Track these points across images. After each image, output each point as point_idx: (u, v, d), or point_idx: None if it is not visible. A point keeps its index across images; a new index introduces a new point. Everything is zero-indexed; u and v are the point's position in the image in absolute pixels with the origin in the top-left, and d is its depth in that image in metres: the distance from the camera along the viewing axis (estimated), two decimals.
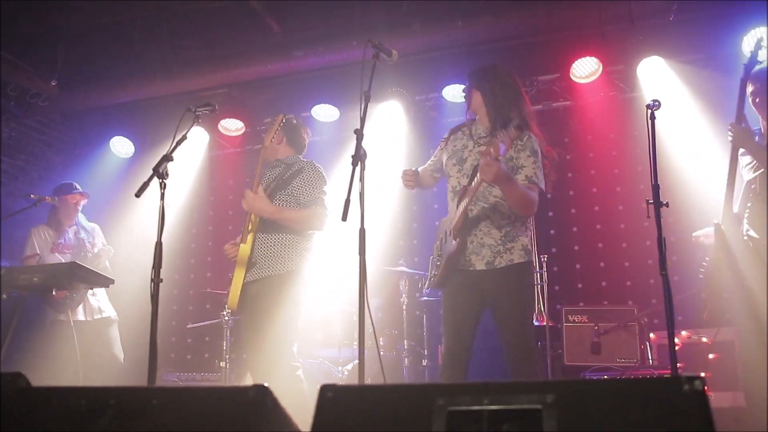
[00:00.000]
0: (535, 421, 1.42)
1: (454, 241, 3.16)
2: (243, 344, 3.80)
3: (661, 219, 3.04)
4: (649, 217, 3.31)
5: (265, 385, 1.66)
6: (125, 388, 1.83)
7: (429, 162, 3.60)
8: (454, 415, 1.48)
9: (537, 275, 4.89)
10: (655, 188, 3.06)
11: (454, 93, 5.84)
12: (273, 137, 3.77)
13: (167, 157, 2.95)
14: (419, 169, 3.60)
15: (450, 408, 1.49)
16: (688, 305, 4.25)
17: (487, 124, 3.34)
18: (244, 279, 3.62)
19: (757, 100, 3.66)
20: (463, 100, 5.44)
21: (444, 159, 3.43)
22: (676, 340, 4.41)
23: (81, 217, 5.12)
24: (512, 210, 3.20)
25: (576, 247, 6.02)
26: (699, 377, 1.36)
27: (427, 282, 3.47)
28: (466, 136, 3.40)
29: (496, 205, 3.22)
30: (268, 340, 3.52)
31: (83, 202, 5.08)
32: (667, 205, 3.05)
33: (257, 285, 3.62)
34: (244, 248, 3.64)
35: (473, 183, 3.10)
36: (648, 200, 3.07)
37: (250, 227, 3.67)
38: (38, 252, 4.89)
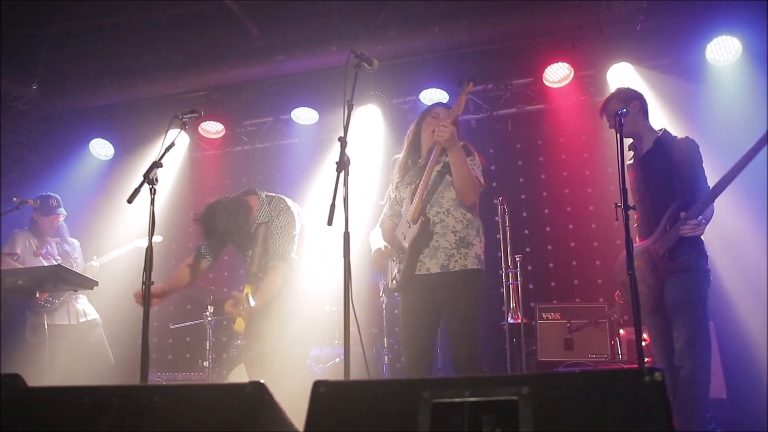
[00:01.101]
0: (512, 412, 1.55)
1: (414, 225, 3.31)
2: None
3: (629, 221, 3.22)
4: (617, 219, 3.51)
5: (261, 381, 1.78)
6: (127, 386, 1.93)
7: (386, 210, 3.71)
8: (438, 407, 1.61)
9: (511, 274, 5.05)
10: (623, 192, 3.23)
11: (431, 97, 5.99)
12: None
13: (157, 164, 3.05)
14: (383, 221, 3.71)
15: (434, 400, 1.62)
16: None
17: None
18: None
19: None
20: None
21: (400, 196, 3.61)
22: (645, 336, 4.61)
23: (63, 230, 5.18)
24: (458, 189, 3.35)
25: (549, 247, 6.20)
26: (659, 369, 1.51)
27: (390, 283, 3.51)
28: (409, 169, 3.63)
29: (450, 208, 3.39)
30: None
31: (62, 218, 5.15)
32: (634, 208, 3.24)
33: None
34: (240, 325, 3.55)
35: (427, 162, 3.37)
36: (616, 204, 3.25)
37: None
38: (18, 252, 4.91)
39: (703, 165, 3.60)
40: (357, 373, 3.83)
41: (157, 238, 5.38)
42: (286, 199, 3.78)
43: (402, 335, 3.44)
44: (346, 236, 2.83)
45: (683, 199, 3.50)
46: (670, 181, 3.55)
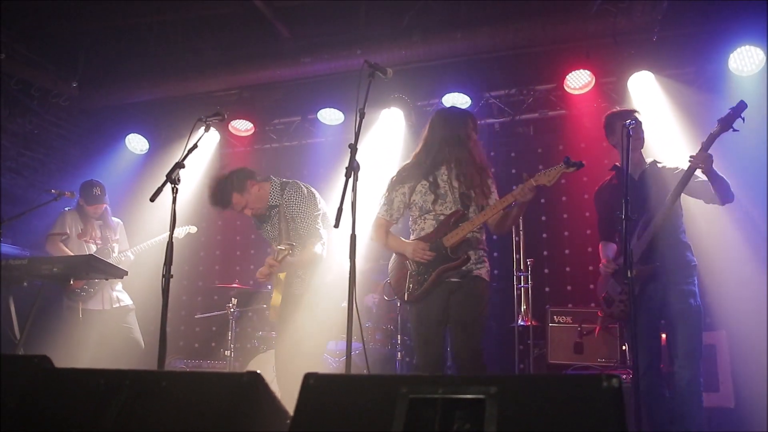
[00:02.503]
0: (479, 409, 1.69)
1: (453, 256, 3.43)
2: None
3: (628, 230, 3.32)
4: (619, 228, 3.61)
5: (258, 371, 1.95)
6: (138, 371, 2.13)
7: (391, 212, 3.68)
8: (415, 402, 1.75)
9: (522, 277, 5.15)
10: (625, 202, 3.32)
11: (453, 101, 6.10)
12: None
13: (179, 165, 3.24)
14: (382, 223, 3.72)
15: (411, 395, 1.76)
16: None
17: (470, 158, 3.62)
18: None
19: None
20: (463, 108, 5.71)
21: (416, 200, 3.61)
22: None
23: (107, 212, 5.36)
24: (499, 231, 3.65)
25: (567, 251, 6.26)
26: (616, 376, 1.63)
27: (407, 295, 3.55)
28: (432, 180, 3.59)
29: (476, 232, 3.55)
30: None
31: (104, 207, 5.34)
32: (634, 218, 3.33)
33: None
34: (276, 299, 4.06)
35: (488, 207, 3.47)
36: (617, 212, 3.35)
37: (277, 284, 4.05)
38: (67, 232, 5.14)
39: None
40: (371, 367, 3.99)
41: (192, 229, 5.64)
42: (300, 183, 4.13)
43: (415, 342, 3.55)
44: (353, 239, 2.98)
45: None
46: (659, 205, 3.73)
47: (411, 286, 3.51)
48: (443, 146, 3.59)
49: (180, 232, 5.47)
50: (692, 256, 3.81)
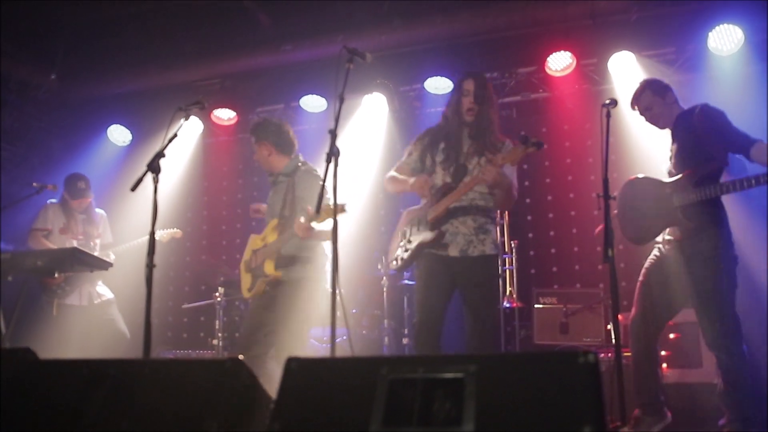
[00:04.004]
0: (459, 388, 1.71)
1: (430, 232, 3.47)
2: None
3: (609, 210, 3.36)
4: (600, 209, 3.63)
5: (240, 357, 1.97)
6: (122, 359, 2.15)
7: (405, 161, 3.81)
8: (395, 382, 1.78)
9: (507, 259, 5.19)
10: (605, 182, 3.36)
11: (436, 85, 6.09)
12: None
13: (160, 154, 3.22)
14: (399, 167, 3.83)
15: (391, 376, 1.79)
16: None
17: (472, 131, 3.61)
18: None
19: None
20: (444, 91, 5.74)
21: (428, 159, 3.68)
22: None
23: (90, 206, 5.35)
24: (497, 207, 3.62)
25: (551, 233, 6.30)
26: (592, 352, 1.66)
27: (395, 263, 3.68)
28: (452, 143, 3.62)
29: (473, 201, 3.54)
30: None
31: (89, 201, 5.32)
32: (614, 198, 3.37)
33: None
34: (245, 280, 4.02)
35: (460, 183, 3.47)
36: (598, 194, 3.38)
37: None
38: (50, 228, 5.12)
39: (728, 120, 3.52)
40: (358, 352, 4.01)
41: (177, 233, 5.61)
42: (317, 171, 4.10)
43: (417, 297, 3.62)
44: (335, 224, 3.00)
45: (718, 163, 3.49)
46: (691, 152, 3.56)
47: (398, 254, 3.63)
48: (448, 109, 3.70)
49: (163, 235, 5.44)
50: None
